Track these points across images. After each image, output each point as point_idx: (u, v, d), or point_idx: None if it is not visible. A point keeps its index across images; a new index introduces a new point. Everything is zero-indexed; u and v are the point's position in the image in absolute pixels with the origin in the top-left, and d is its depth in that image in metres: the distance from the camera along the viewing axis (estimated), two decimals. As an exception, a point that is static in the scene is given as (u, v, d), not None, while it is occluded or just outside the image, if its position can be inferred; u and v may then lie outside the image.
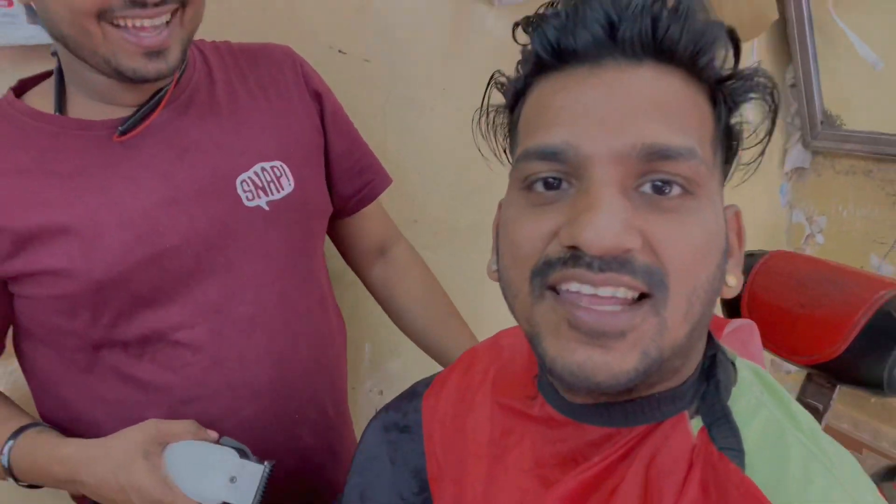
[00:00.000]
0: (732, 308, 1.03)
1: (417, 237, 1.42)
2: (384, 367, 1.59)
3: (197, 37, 0.90)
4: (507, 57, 0.64)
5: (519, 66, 0.60)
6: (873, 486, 0.54)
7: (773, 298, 0.98)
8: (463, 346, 1.06)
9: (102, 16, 0.78)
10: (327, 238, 1.17)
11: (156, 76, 0.84)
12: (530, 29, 0.58)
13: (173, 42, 0.84)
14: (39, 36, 0.98)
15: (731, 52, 0.56)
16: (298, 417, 1.03)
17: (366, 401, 1.57)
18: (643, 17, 0.52)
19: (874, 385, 0.85)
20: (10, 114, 0.88)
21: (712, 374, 0.58)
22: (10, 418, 0.91)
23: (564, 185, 0.53)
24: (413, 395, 0.82)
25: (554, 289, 0.52)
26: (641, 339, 0.50)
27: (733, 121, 0.58)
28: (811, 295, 0.92)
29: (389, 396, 1.34)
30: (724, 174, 0.60)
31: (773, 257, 1.00)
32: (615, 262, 0.49)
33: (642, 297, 0.50)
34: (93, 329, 0.89)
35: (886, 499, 0.77)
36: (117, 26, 0.79)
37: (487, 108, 0.65)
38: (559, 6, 0.56)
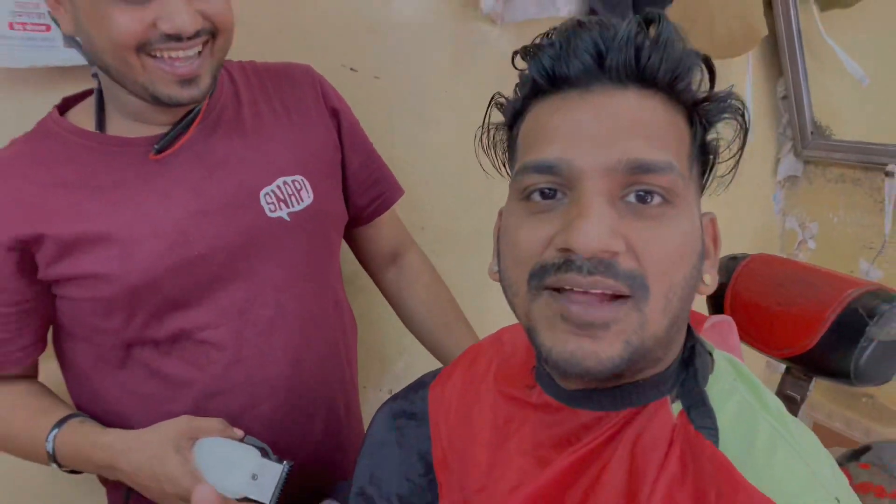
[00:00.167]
0: (717, 305, 1.08)
1: (425, 243, 1.44)
2: (393, 366, 1.60)
3: (221, 56, 0.94)
4: (509, 72, 0.68)
5: (517, 89, 0.65)
6: (832, 460, 0.59)
7: (754, 297, 1.01)
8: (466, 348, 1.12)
9: (141, 48, 0.83)
10: (342, 243, 1.19)
11: (189, 101, 0.88)
12: (528, 57, 0.63)
13: (204, 70, 0.88)
14: (75, 58, 1.02)
15: (706, 77, 0.61)
16: (312, 413, 1.07)
17: (375, 399, 1.58)
18: (628, 48, 0.57)
19: (843, 375, 0.89)
20: (56, 131, 0.93)
21: (691, 363, 0.63)
22: (53, 409, 0.96)
23: (559, 195, 0.57)
24: (420, 385, 0.86)
25: (549, 289, 0.57)
26: (624, 330, 0.54)
27: (709, 137, 0.63)
28: (787, 294, 0.96)
29: (400, 395, 1.42)
30: (702, 184, 0.65)
31: (753, 260, 1.04)
32: (601, 266, 0.53)
33: (625, 296, 0.54)
34: (126, 328, 0.93)
35: (851, 476, 0.83)
36: (154, 57, 0.84)
37: (488, 126, 0.70)
38: (554, 37, 0.61)
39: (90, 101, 0.96)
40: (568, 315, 0.55)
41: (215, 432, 0.91)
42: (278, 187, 0.99)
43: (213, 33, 0.88)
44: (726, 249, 1.22)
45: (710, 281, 0.63)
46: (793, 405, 0.97)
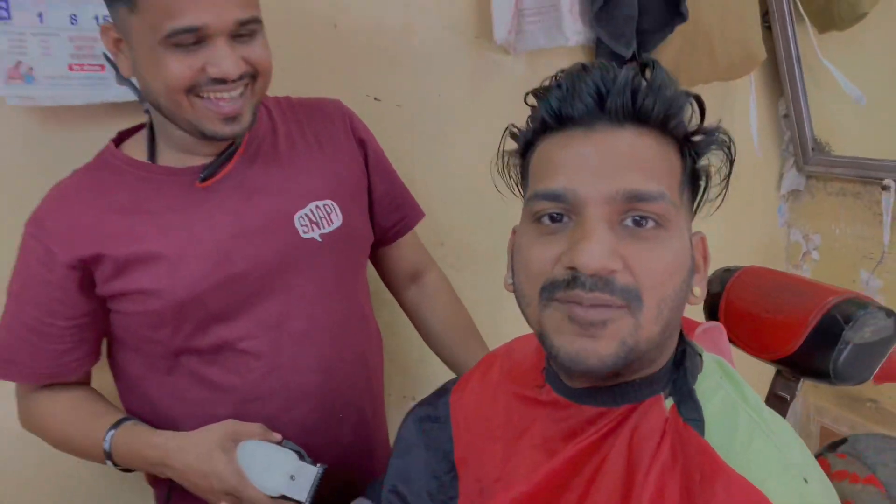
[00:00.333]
0: (713, 313, 1.13)
1: (444, 258, 1.51)
2: (415, 375, 1.63)
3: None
4: (521, 97, 0.73)
5: (529, 122, 0.72)
6: (803, 445, 0.66)
7: (745, 305, 1.07)
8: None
9: (191, 90, 0.90)
10: (368, 261, 1.25)
11: (231, 137, 0.95)
12: (538, 97, 0.69)
13: (246, 108, 0.94)
14: (126, 95, 1.08)
15: (696, 112, 0.68)
16: (341, 418, 1.11)
17: (399, 405, 1.61)
18: (625, 92, 0.63)
19: (824, 375, 0.95)
20: (112, 162, 1.00)
21: (682, 363, 0.69)
22: (108, 413, 1.02)
23: (565, 219, 0.64)
24: (443, 391, 0.91)
25: (557, 300, 0.63)
26: (619, 331, 0.61)
27: (699, 166, 0.69)
28: (774, 302, 1.02)
29: (419, 401, 1.45)
30: (695, 206, 0.71)
31: (745, 272, 1.10)
32: (601, 282, 0.60)
33: (621, 306, 0.61)
34: (174, 339, 0.99)
35: (830, 464, 0.90)
36: (202, 97, 0.91)
37: (502, 153, 0.76)
38: (560, 80, 0.67)
39: (142, 135, 1.03)
40: (574, 316, 0.62)
41: (256, 435, 0.97)
42: (311, 211, 1.05)
43: (253, 76, 0.94)
44: (734, 259, 1.26)
45: (699, 292, 0.69)
46: (783, 404, 1.02)
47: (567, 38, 1.44)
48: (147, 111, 1.01)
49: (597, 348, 0.61)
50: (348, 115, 1.18)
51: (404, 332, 1.48)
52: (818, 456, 0.94)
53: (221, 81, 0.90)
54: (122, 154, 1.01)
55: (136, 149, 1.03)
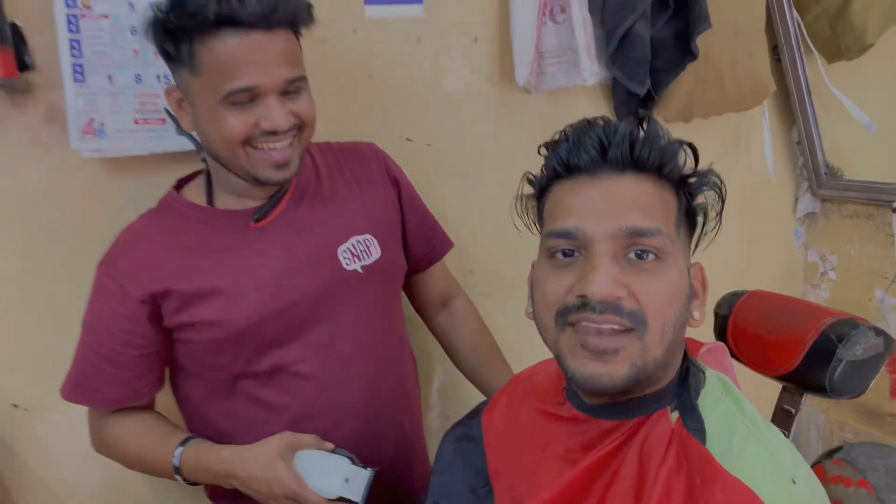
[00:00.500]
0: (721, 333, 1.19)
1: (475, 285, 1.58)
2: (449, 395, 1.68)
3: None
4: (542, 134, 0.79)
5: (542, 170, 0.80)
6: (794, 451, 0.72)
7: (750, 326, 1.13)
8: (503, 384, 1.12)
9: (246, 142, 0.98)
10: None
11: (281, 182, 1.03)
12: (549, 150, 0.78)
13: (293, 156, 1.02)
14: (183, 145, 1.17)
15: (690, 157, 0.75)
16: (384, 433, 1.17)
17: (435, 423, 1.67)
18: (624, 143, 0.71)
19: (821, 389, 1.00)
20: (175, 206, 1.09)
21: (686, 380, 0.76)
22: (175, 433, 1.09)
23: (576, 254, 0.72)
24: (476, 412, 0.97)
25: (571, 325, 0.71)
26: (630, 355, 0.68)
27: (695, 204, 0.77)
28: (776, 323, 1.08)
29: (454, 418, 1.48)
30: (694, 240, 0.79)
31: (750, 296, 1.16)
32: (610, 307, 0.68)
33: (630, 329, 0.69)
34: (233, 364, 1.06)
35: (826, 472, 0.96)
36: (255, 148, 0.99)
37: (520, 196, 0.84)
38: (568, 134, 0.76)
39: (200, 181, 1.12)
40: (587, 345, 0.69)
41: (311, 445, 1.03)
42: (352, 245, 1.12)
43: (300, 127, 1.02)
44: (756, 279, 1.29)
45: (698, 316, 0.76)
46: (789, 417, 1.08)
47: (585, 79, 1.49)
48: (204, 160, 1.10)
49: (609, 371, 0.69)
50: (382, 156, 1.26)
51: (435, 354, 1.53)
52: (817, 463, 1.00)
53: (273, 133, 0.98)
54: (184, 199, 1.10)
55: (195, 194, 1.11)
